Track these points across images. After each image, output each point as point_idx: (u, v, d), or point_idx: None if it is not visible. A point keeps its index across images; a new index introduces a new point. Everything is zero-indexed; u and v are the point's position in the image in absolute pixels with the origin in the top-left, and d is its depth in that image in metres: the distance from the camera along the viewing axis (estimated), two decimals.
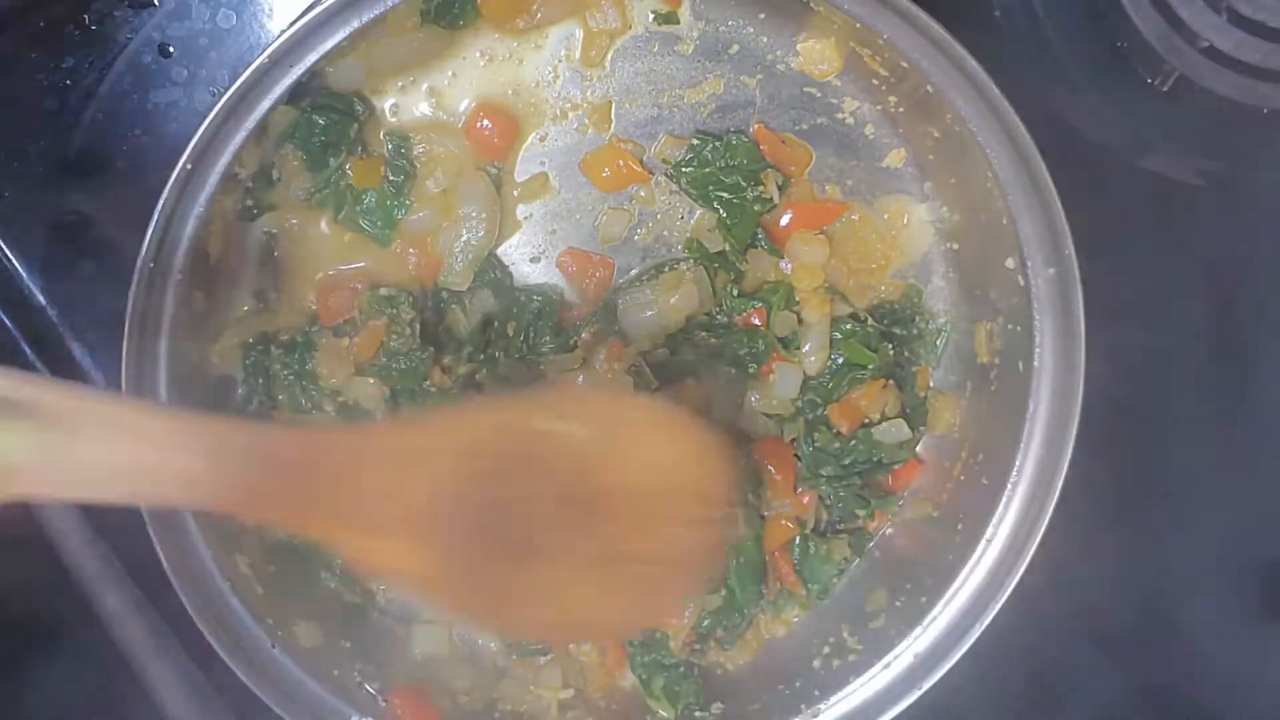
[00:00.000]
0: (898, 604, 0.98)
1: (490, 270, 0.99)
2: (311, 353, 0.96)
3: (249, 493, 0.66)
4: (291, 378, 0.97)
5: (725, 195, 0.99)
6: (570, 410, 0.78)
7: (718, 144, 0.99)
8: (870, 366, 0.98)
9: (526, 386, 0.97)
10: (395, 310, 0.95)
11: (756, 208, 0.99)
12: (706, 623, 1.01)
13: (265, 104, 0.88)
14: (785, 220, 1.00)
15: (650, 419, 0.79)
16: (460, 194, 0.98)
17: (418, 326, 0.96)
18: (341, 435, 0.81)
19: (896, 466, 1.01)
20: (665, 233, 1.01)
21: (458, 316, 0.98)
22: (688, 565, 0.77)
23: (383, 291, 0.96)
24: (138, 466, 0.63)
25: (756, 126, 0.99)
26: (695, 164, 0.99)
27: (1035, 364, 0.92)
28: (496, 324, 0.99)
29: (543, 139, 1.00)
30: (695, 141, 0.99)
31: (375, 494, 0.68)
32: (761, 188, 0.98)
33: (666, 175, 1.00)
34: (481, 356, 0.99)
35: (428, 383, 0.96)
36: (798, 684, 0.99)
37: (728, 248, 0.99)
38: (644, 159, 1.00)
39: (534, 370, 0.98)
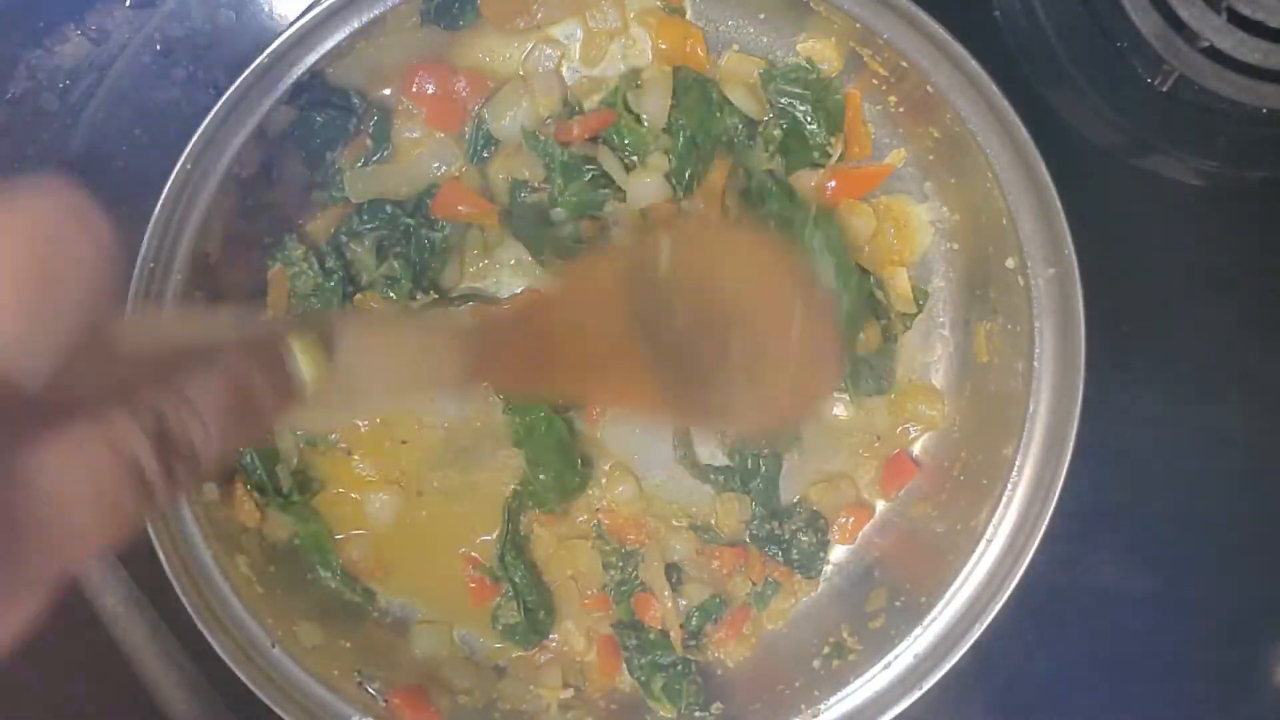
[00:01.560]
0: (898, 604, 0.98)
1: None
2: None
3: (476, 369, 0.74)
4: None
5: (805, 122, 0.97)
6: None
7: (815, 79, 0.97)
8: None
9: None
10: (285, 252, 0.96)
11: (814, 154, 0.98)
12: (695, 620, 1.02)
13: (265, 104, 0.88)
14: (830, 187, 0.99)
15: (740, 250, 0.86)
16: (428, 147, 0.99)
17: (314, 259, 0.96)
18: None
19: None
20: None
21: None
22: (811, 358, 0.83)
23: (266, 240, 0.97)
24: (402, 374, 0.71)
25: (852, 90, 0.98)
26: (796, 82, 0.97)
27: (1035, 364, 0.91)
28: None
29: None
30: (805, 63, 0.97)
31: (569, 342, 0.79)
32: (832, 142, 0.97)
33: (762, 76, 0.97)
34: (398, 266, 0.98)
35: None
36: (798, 684, 0.99)
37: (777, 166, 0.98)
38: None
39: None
